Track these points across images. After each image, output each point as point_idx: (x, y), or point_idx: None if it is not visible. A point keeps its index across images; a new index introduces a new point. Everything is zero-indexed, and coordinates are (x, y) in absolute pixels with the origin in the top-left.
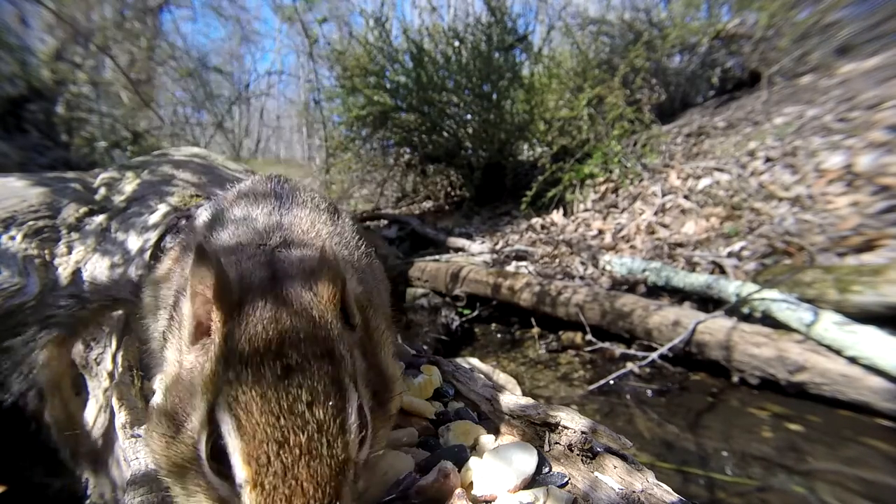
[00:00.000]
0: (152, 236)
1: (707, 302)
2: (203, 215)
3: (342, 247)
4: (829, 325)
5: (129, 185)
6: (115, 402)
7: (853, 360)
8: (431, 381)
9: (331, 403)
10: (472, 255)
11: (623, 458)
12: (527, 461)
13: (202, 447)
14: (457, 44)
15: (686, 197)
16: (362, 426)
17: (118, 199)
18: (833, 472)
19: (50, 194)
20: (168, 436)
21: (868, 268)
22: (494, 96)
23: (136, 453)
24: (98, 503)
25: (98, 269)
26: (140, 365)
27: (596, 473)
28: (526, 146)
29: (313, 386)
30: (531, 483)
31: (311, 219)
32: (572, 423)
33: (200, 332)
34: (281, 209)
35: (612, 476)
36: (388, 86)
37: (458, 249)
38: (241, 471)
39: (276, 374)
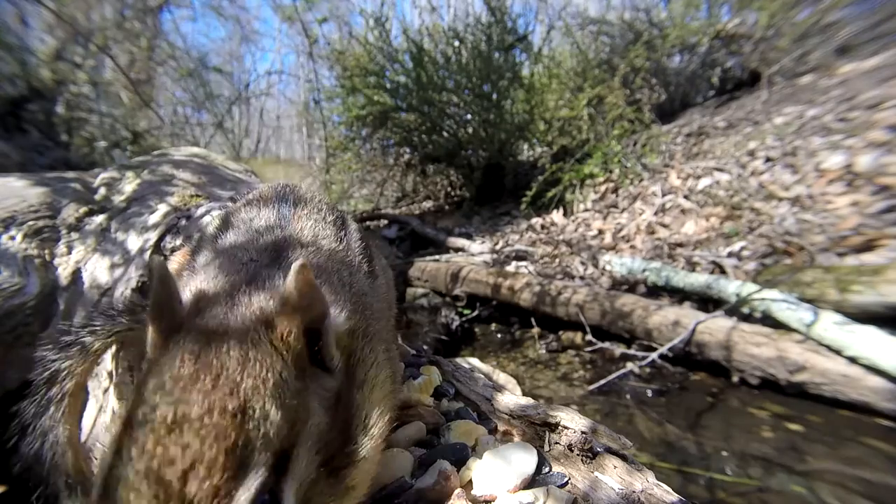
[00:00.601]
0: (152, 236)
1: (707, 302)
2: (213, 223)
3: (342, 265)
4: (829, 325)
5: (129, 185)
6: (115, 403)
7: (853, 360)
8: (431, 380)
9: (212, 479)
10: (472, 255)
11: (623, 458)
12: (527, 461)
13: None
14: (457, 44)
15: (686, 197)
16: None
17: (118, 199)
18: (833, 472)
19: (50, 194)
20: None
21: (868, 268)
22: (494, 96)
23: None
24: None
25: (98, 269)
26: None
27: (596, 473)
28: (526, 146)
29: (200, 451)
30: (531, 483)
31: (315, 232)
32: (572, 423)
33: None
34: (283, 221)
35: (612, 476)
36: (388, 86)
37: (458, 249)
38: None
39: (167, 424)
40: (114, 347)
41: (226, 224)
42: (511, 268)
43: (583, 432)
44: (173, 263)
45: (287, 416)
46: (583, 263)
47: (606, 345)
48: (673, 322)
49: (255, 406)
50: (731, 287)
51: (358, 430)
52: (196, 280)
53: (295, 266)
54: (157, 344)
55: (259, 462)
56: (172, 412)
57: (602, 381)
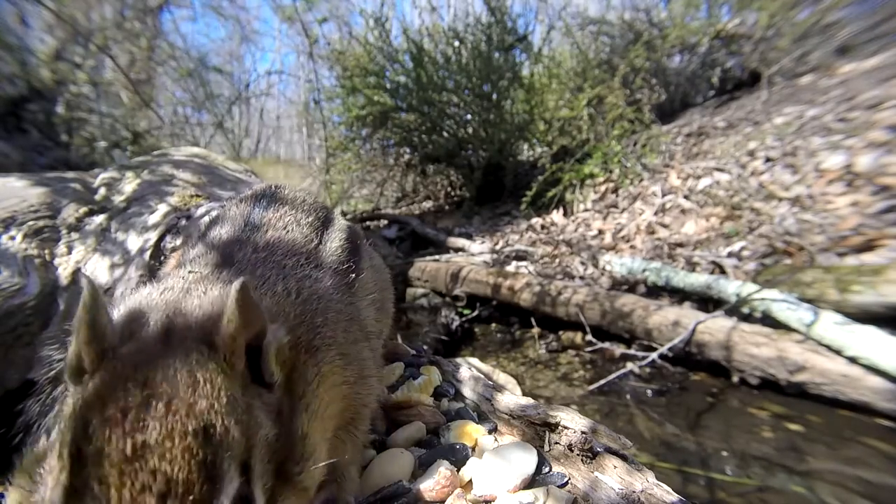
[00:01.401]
0: (152, 236)
1: (707, 302)
2: (205, 222)
3: (302, 269)
4: (829, 325)
5: (129, 185)
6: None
7: (853, 360)
8: (431, 380)
9: (192, 497)
10: (472, 255)
11: (623, 458)
12: (527, 461)
13: None
14: (457, 44)
15: (686, 197)
16: None
17: (118, 199)
18: (833, 472)
19: (50, 194)
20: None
21: (868, 268)
22: (494, 96)
23: None
24: None
25: (98, 269)
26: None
27: (596, 473)
28: (526, 146)
29: (172, 473)
30: (531, 483)
31: (279, 235)
32: (572, 423)
33: (80, 371)
34: (249, 224)
35: (612, 476)
36: (388, 86)
37: (458, 249)
38: None
39: (125, 454)
40: None
41: (207, 228)
42: (511, 268)
43: (583, 432)
44: (170, 265)
45: (242, 429)
46: (583, 263)
47: (606, 345)
48: (673, 322)
49: (214, 423)
50: (731, 287)
51: (303, 440)
52: (135, 296)
53: (235, 286)
54: (92, 370)
55: (230, 471)
56: (133, 443)
57: (602, 381)
